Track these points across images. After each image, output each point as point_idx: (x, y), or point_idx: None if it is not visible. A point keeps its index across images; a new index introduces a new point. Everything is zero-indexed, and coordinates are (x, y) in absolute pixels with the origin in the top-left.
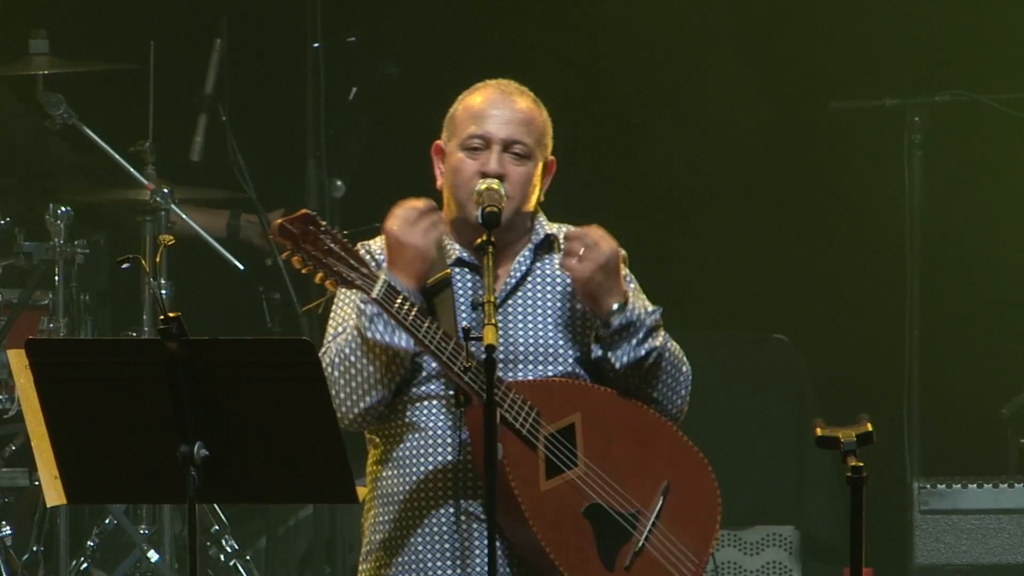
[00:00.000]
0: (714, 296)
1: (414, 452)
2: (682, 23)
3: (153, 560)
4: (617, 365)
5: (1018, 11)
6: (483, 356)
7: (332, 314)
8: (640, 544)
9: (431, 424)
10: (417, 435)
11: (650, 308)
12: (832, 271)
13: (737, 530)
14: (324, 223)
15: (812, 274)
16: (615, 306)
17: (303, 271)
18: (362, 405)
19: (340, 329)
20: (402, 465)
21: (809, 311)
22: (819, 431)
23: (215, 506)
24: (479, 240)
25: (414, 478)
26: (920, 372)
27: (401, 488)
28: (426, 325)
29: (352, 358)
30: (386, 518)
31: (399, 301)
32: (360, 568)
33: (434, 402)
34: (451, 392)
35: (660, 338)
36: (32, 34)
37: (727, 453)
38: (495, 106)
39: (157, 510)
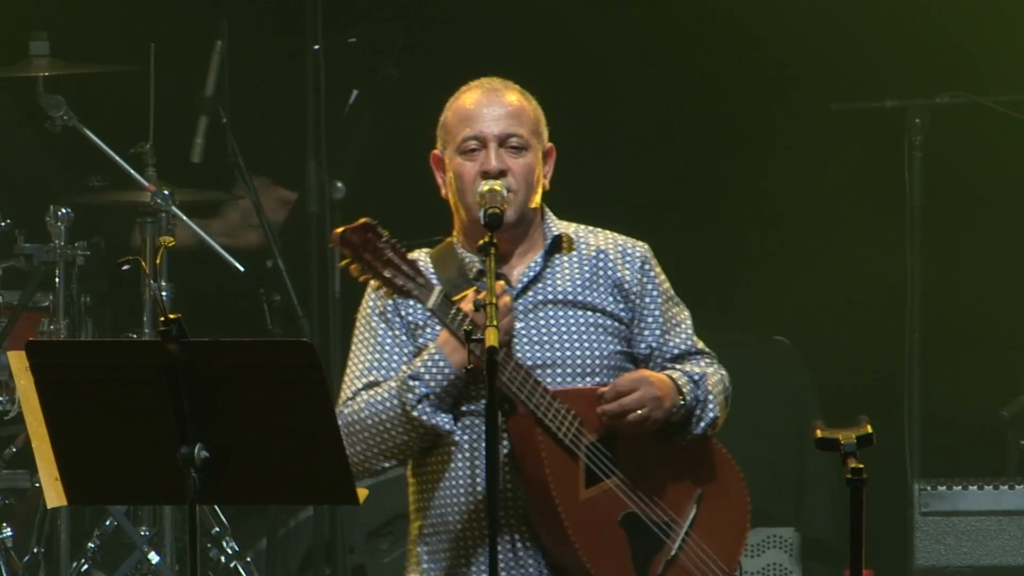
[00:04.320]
0: (714, 297)
1: (457, 471)
2: (682, 23)
3: (154, 562)
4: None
5: (1018, 12)
6: (527, 363)
7: (353, 352)
8: (673, 552)
9: (471, 439)
10: (460, 453)
11: (696, 374)
12: (832, 273)
13: None
14: (385, 232)
15: (812, 276)
16: (678, 405)
17: (360, 279)
18: (386, 465)
19: (369, 376)
20: (448, 482)
21: (809, 313)
22: (819, 433)
23: (215, 507)
24: (481, 241)
25: (459, 495)
26: (920, 374)
27: (450, 506)
28: (478, 334)
29: (388, 424)
30: (428, 529)
31: (452, 312)
32: None
33: (472, 419)
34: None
35: (712, 402)
36: (32, 36)
37: None
38: (483, 105)
39: (157, 511)
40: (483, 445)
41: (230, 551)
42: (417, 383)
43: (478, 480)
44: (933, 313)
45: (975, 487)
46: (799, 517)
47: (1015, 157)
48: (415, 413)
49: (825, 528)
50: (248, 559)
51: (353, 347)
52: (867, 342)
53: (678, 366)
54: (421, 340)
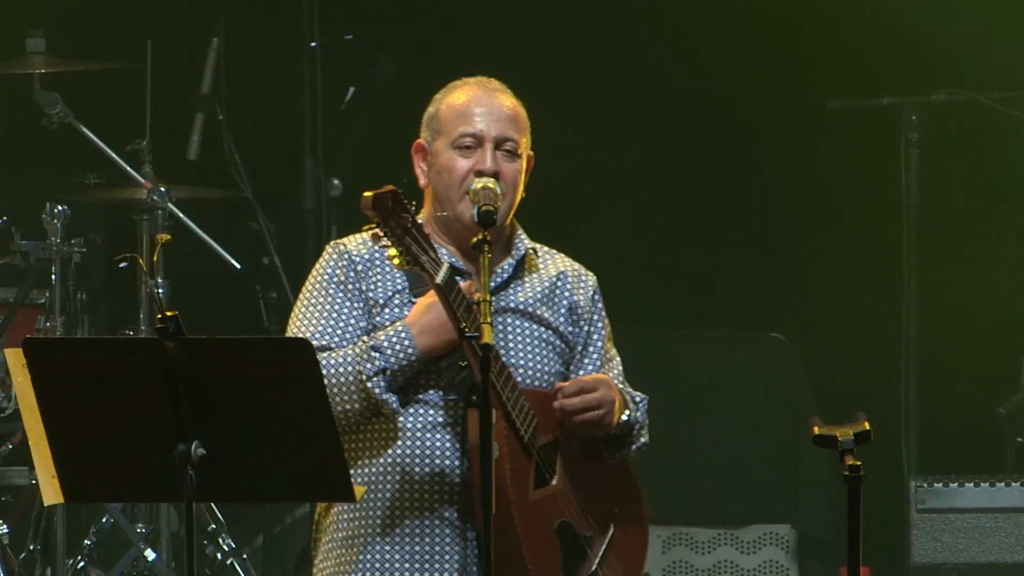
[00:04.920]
0: (711, 294)
1: (396, 456)
2: (680, 22)
3: (150, 559)
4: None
5: (1016, 10)
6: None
7: (302, 312)
8: (593, 568)
9: (415, 427)
10: (401, 440)
11: (638, 397)
12: (829, 270)
13: (734, 529)
14: (411, 202)
15: (809, 273)
16: (622, 418)
17: (379, 244)
18: None
19: (322, 340)
20: (381, 467)
21: (806, 310)
22: (816, 430)
23: (212, 505)
24: (475, 239)
25: (394, 480)
26: (917, 371)
27: (378, 490)
28: (471, 320)
29: (336, 389)
30: (350, 515)
31: (455, 292)
32: (319, 566)
33: (419, 407)
34: (441, 398)
35: (645, 430)
36: (29, 33)
37: (724, 452)
38: (482, 103)
39: (154, 509)
40: (430, 436)
41: (226, 548)
42: (377, 355)
43: (417, 470)
44: (930, 310)
45: (972, 484)
46: (796, 514)
47: (1012, 154)
48: (369, 384)
49: (822, 525)
50: (244, 556)
51: (302, 307)
52: (864, 339)
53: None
54: (378, 319)
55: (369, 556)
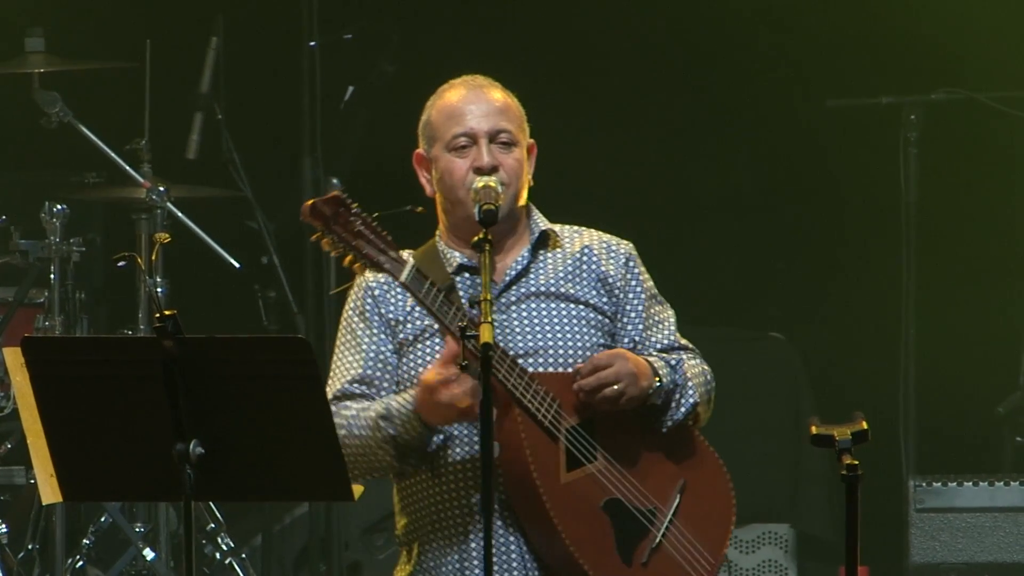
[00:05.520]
0: (710, 293)
1: (438, 454)
2: (681, 22)
3: (149, 558)
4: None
5: (1014, 9)
6: (510, 352)
7: (335, 354)
8: (657, 540)
9: (454, 426)
10: (442, 438)
11: (673, 360)
12: (828, 269)
13: (733, 528)
14: (355, 205)
15: (808, 272)
16: (654, 387)
17: (332, 254)
18: (361, 479)
19: (346, 379)
20: (427, 469)
21: (805, 309)
22: (814, 429)
23: (210, 504)
24: (476, 238)
25: (439, 480)
26: (916, 370)
27: (428, 492)
28: (452, 312)
29: (364, 449)
30: (417, 524)
31: (426, 288)
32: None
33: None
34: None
35: (691, 389)
36: (28, 32)
37: (723, 451)
38: (470, 101)
39: (153, 508)
40: (467, 430)
41: (225, 548)
42: (386, 424)
43: (459, 468)
44: (928, 309)
45: (970, 484)
46: (794, 513)
47: (1010, 153)
48: (380, 452)
49: (820, 524)
50: (243, 555)
51: (335, 349)
52: (863, 338)
53: (657, 354)
54: (402, 335)
55: (426, 563)
